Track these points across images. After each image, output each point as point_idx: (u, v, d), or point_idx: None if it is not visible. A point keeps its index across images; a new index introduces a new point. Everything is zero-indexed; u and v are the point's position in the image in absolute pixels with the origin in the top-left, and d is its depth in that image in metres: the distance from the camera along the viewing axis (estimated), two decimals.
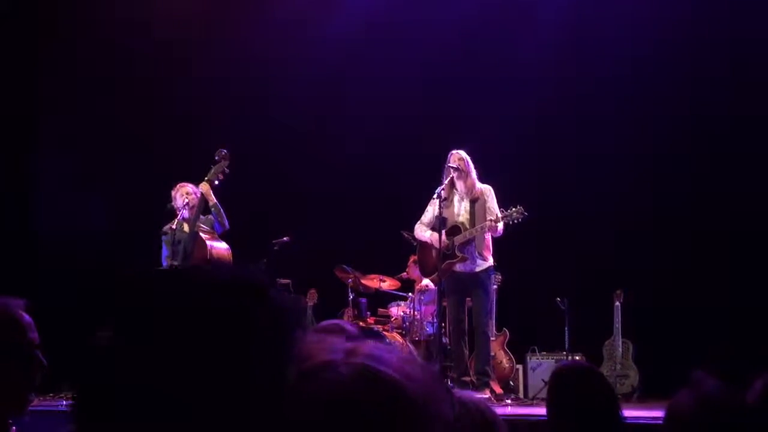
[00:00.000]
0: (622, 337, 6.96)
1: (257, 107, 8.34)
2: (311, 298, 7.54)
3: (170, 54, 8.21)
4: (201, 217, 6.16)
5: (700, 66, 7.51)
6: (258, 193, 7.92)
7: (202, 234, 6.01)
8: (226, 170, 6.04)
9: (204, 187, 6.00)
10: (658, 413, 3.78)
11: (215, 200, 6.05)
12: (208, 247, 5.93)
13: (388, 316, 7.47)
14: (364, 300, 7.45)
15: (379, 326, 7.19)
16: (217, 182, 6.05)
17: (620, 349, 6.94)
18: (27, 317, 1.80)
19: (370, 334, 6.87)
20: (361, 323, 7.19)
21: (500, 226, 5.81)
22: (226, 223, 6.12)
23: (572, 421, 2.18)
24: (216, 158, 6.07)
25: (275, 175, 8.27)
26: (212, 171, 6.04)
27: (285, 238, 6.76)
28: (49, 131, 8.37)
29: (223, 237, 6.20)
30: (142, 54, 8.21)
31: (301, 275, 7.48)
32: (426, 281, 6.89)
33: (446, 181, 5.94)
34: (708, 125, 7.44)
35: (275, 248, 6.71)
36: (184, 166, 6.78)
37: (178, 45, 8.21)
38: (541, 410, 5.61)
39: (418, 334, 6.98)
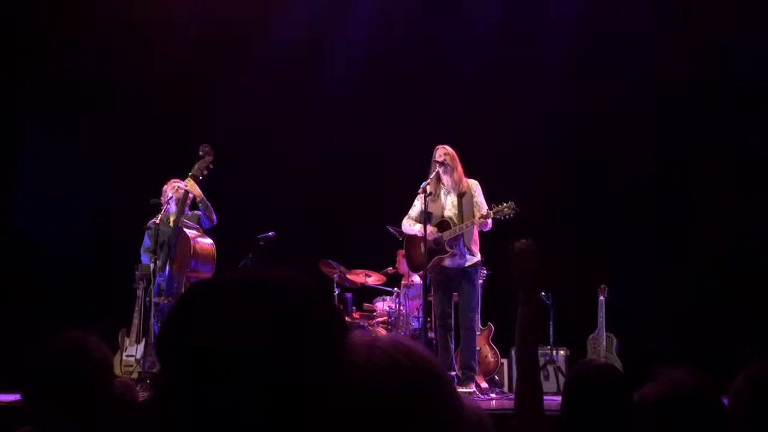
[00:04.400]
0: (606, 331, 7.02)
1: (241, 103, 8.30)
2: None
3: (156, 53, 8.15)
4: (187, 212, 6.14)
5: (697, 67, 7.55)
6: (243, 187, 7.90)
7: (186, 229, 5.99)
8: (211, 166, 6.02)
9: (189, 182, 5.98)
10: None
11: (202, 195, 6.04)
12: (192, 242, 5.92)
13: (374, 311, 7.48)
14: (349, 295, 7.45)
15: (365, 321, 7.19)
16: (201, 177, 6.03)
17: (604, 343, 6.99)
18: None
19: (355, 329, 6.88)
20: (347, 318, 7.20)
21: (489, 221, 5.81)
22: (215, 218, 6.12)
23: (589, 421, 2.14)
24: (200, 153, 6.05)
25: (260, 170, 8.24)
26: (196, 166, 6.03)
27: (270, 233, 6.74)
28: (29, 128, 8.29)
29: (208, 231, 6.19)
30: (130, 53, 8.14)
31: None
32: (412, 276, 6.90)
33: (432, 176, 5.94)
34: (693, 123, 7.50)
35: (260, 243, 6.69)
36: (167, 162, 6.76)
37: (165, 44, 8.14)
38: None
39: (403, 329, 6.99)
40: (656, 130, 7.67)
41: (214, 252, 6.08)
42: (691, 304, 7.10)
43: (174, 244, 5.90)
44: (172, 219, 6.06)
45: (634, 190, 7.66)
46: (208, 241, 6.08)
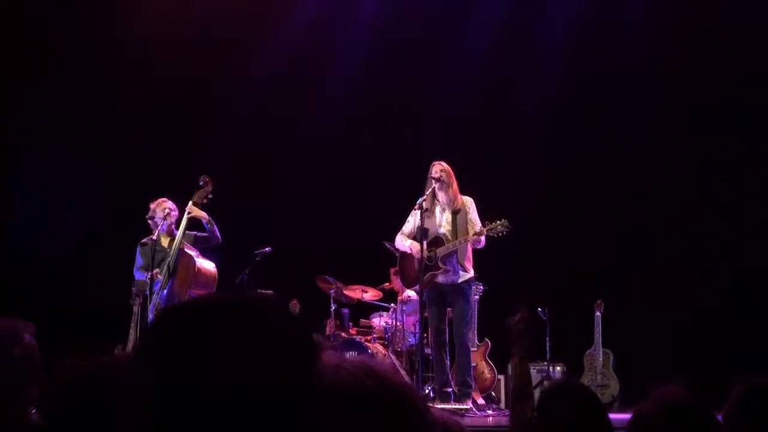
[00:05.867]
0: (603, 347, 7.01)
1: (238, 117, 8.32)
2: (293, 309, 7.51)
3: (150, 54, 8.16)
4: (186, 233, 6.17)
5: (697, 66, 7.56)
6: (239, 202, 7.90)
7: (188, 251, 6.02)
8: (210, 195, 6.08)
9: (193, 209, 6.02)
10: None
11: (208, 216, 6.09)
12: (195, 263, 5.95)
13: (371, 327, 7.47)
14: (346, 310, 7.44)
15: (362, 337, 7.18)
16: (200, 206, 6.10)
17: (601, 359, 6.98)
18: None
19: (352, 345, 6.87)
20: (343, 334, 7.19)
21: (483, 238, 5.83)
22: (220, 237, 6.16)
23: None
24: (200, 183, 6.10)
25: (257, 186, 8.25)
26: (196, 195, 6.08)
27: (267, 249, 6.75)
28: (28, 132, 8.29)
29: (210, 251, 6.22)
30: (123, 55, 8.16)
31: (283, 286, 7.44)
32: (408, 292, 6.90)
33: (428, 192, 5.96)
34: (692, 137, 7.53)
35: (257, 258, 6.70)
36: (163, 177, 6.76)
37: (158, 45, 8.16)
38: None
39: (400, 345, 6.98)
40: (641, 140, 7.68)
41: (216, 274, 6.13)
42: (690, 319, 7.10)
43: (175, 265, 5.93)
44: (164, 239, 6.09)
45: (632, 204, 7.68)
46: (211, 264, 6.13)
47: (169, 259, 6.02)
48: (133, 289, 6.45)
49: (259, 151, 8.33)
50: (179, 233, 6.03)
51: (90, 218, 8.01)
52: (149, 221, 6.14)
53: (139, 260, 6.19)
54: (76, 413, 1.65)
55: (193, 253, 6.06)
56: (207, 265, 6.09)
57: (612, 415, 2.45)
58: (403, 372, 6.57)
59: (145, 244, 6.14)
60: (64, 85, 8.08)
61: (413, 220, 6.00)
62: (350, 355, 6.46)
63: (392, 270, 7.25)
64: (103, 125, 8.08)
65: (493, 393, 7.04)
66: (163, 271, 5.99)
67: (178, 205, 6.20)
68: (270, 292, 7.36)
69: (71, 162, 8.14)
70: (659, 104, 7.69)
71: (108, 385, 1.64)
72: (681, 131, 7.59)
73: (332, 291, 7.21)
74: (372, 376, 0.90)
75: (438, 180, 5.94)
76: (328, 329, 7.26)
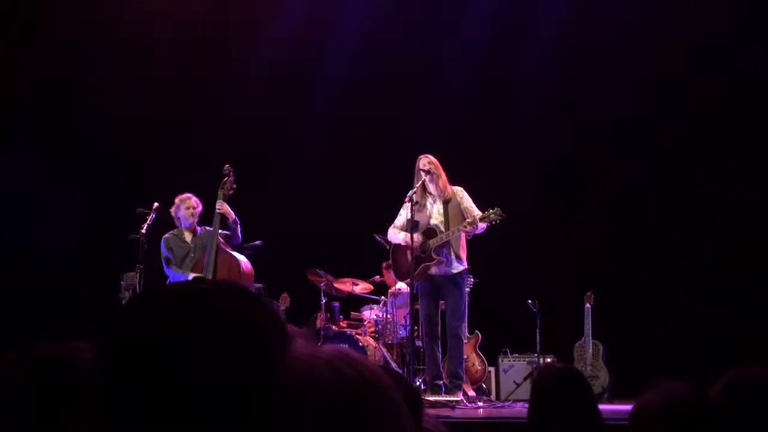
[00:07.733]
0: (593, 339, 7.04)
1: (232, 111, 8.29)
2: (284, 302, 7.50)
3: (148, 53, 8.13)
4: (199, 230, 6.16)
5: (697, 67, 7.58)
6: (231, 197, 7.86)
7: (227, 249, 5.98)
8: (234, 185, 6.07)
9: (223, 206, 6.00)
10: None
11: (234, 216, 6.06)
12: (242, 266, 5.93)
13: (361, 320, 7.48)
14: (337, 303, 7.45)
15: (353, 330, 7.19)
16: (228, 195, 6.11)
17: (590, 351, 7.01)
18: None
19: (343, 337, 6.88)
20: (334, 327, 7.20)
21: (483, 224, 5.81)
22: (240, 237, 6.17)
23: (554, 423, 2.19)
24: (224, 173, 6.09)
25: (247, 178, 8.22)
26: (224, 188, 6.06)
27: (257, 242, 6.74)
28: (24, 131, 8.25)
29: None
30: (108, 54, 8.12)
31: (274, 279, 7.44)
32: (399, 284, 6.90)
33: (417, 185, 5.95)
34: (679, 127, 7.55)
35: (248, 252, 6.68)
36: (156, 172, 6.73)
37: (156, 44, 8.13)
38: (513, 412, 5.67)
39: (391, 338, 7.00)
40: (657, 131, 7.69)
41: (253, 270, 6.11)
42: (679, 312, 7.13)
43: (215, 265, 5.90)
44: (186, 234, 6.08)
45: (622, 195, 7.70)
46: (244, 257, 6.12)
47: (192, 254, 6.01)
48: (122, 282, 6.42)
49: (250, 146, 8.30)
50: (214, 232, 5.96)
51: (86, 218, 7.97)
52: (174, 217, 6.12)
53: (167, 254, 6.12)
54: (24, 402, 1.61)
55: (233, 254, 6.02)
56: (246, 263, 6.05)
57: (601, 406, 2.47)
58: (393, 364, 6.59)
59: (172, 236, 6.10)
60: (60, 83, 8.04)
61: (405, 213, 6.00)
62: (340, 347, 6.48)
63: (384, 263, 7.26)
64: (99, 124, 8.04)
65: (483, 385, 7.07)
66: (190, 266, 5.98)
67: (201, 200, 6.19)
68: (260, 285, 7.39)
69: (67, 161, 8.09)
70: (658, 102, 7.70)
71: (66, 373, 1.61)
72: (680, 129, 7.60)
73: (323, 284, 7.21)
74: (349, 364, 0.87)
75: (427, 172, 5.94)
76: (318, 322, 7.27)
